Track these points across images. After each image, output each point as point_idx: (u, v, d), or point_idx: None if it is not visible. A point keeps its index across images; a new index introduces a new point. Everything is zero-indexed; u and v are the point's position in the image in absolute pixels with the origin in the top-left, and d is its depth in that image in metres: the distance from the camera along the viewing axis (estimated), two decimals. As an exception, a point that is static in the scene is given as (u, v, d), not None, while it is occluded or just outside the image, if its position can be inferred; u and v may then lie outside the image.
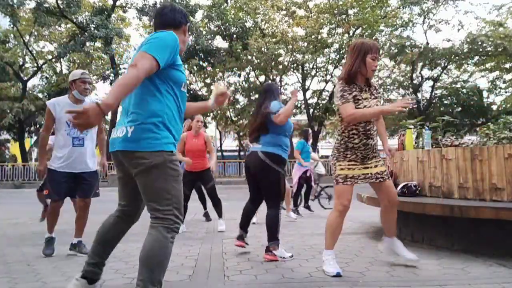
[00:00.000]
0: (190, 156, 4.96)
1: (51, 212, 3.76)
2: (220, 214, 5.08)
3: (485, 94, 26.32)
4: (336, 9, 22.00)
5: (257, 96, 25.82)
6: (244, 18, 22.33)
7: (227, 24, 21.13)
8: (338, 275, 2.79)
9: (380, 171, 2.98)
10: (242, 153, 29.55)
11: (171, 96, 2.10)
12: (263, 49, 21.96)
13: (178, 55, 2.14)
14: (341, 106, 2.87)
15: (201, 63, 22.56)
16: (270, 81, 4.20)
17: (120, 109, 2.28)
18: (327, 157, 25.09)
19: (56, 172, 3.55)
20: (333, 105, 25.56)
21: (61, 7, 19.56)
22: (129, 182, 2.20)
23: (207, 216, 6.01)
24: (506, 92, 25.65)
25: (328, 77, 24.91)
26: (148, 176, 2.00)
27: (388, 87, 26.75)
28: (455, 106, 25.97)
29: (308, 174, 6.86)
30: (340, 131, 3.04)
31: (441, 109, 25.09)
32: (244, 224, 3.69)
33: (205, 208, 6.08)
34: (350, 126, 2.93)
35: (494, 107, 25.82)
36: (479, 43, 21.25)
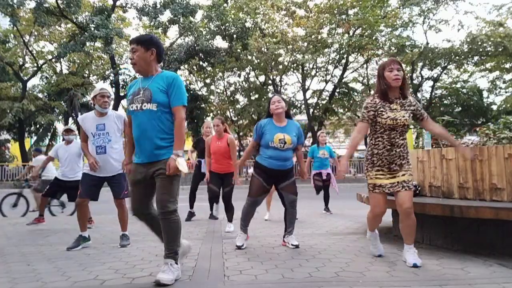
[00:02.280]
0: (215, 158, 5.21)
1: (79, 211, 4.15)
2: (230, 219, 5.12)
3: (485, 94, 26.34)
4: (336, 9, 21.98)
5: (257, 96, 25.87)
6: (244, 18, 22.32)
7: (227, 24, 21.11)
8: (379, 255, 3.37)
9: (406, 180, 3.13)
10: (242, 153, 29.51)
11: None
12: (263, 49, 21.95)
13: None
14: (358, 122, 3.28)
15: (201, 63, 22.55)
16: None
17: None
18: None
19: (85, 175, 4.14)
20: (333, 105, 25.66)
21: (61, 7, 19.55)
22: None
23: (213, 217, 6.06)
24: (506, 92, 25.66)
25: (328, 77, 24.92)
26: None
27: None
28: (455, 106, 25.99)
29: (324, 177, 6.80)
30: (369, 138, 3.31)
31: (441, 109, 25.11)
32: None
33: (210, 209, 6.11)
34: (376, 134, 3.17)
35: (494, 107, 25.84)
36: (479, 43, 21.26)
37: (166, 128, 2.79)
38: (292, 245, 3.87)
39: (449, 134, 3.36)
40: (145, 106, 2.76)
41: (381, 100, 3.16)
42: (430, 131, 3.41)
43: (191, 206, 6.11)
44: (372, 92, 26.91)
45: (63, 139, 5.74)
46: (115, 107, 22.09)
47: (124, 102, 26.83)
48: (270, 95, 26.26)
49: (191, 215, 6.09)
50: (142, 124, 2.78)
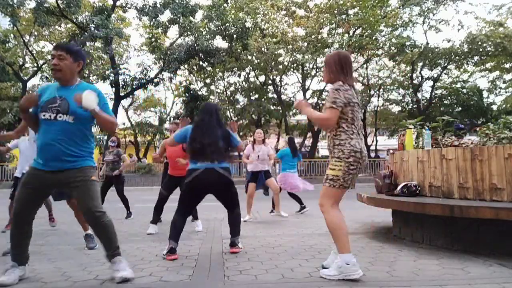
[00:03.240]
0: (171, 162, 5.16)
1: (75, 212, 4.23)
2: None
3: (485, 94, 26.34)
4: (336, 9, 21.98)
5: (257, 96, 25.87)
6: (244, 18, 22.32)
7: (227, 24, 21.10)
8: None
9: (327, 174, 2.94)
10: (242, 153, 29.48)
11: None
12: (263, 49, 21.95)
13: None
14: None
15: (201, 63, 22.55)
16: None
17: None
18: (327, 157, 25.10)
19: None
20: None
21: (61, 7, 19.55)
22: None
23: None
24: (506, 92, 25.67)
25: (328, 77, 24.88)
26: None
27: (388, 87, 26.77)
28: (455, 106, 25.99)
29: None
30: None
31: (441, 109, 25.10)
32: (176, 236, 3.60)
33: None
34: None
35: (494, 107, 25.84)
36: (479, 42, 21.27)
37: (79, 139, 2.84)
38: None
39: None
40: (60, 117, 2.77)
41: None
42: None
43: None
44: (372, 92, 26.90)
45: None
46: (115, 107, 22.10)
47: (124, 102, 26.89)
48: (270, 95, 26.31)
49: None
50: (53, 133, 2.77)
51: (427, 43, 23.49)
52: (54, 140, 2.75)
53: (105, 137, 23.13)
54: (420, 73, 25.49)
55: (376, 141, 28.13)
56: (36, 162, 2.83)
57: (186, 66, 23.21)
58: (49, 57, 24.11)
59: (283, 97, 26.04)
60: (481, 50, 22.12)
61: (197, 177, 3.58)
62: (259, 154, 6.21)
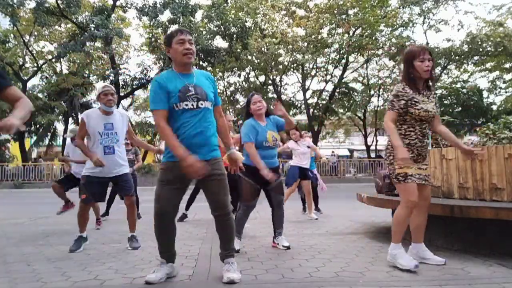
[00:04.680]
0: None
1: (81, 213, 4.02)
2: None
3: (485, 94, 26.35)
4: (336, 9, 22.00)
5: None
6: (244, 18, 22.33)
7: (227, 24, 21.12)
8: (416, 267, 2.87)
9: (428, 174, 3.12)
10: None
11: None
12: (263, 49, 21.96)
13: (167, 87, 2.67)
14: (387, 111, 3.11)
15: (201, 63, 22.57)
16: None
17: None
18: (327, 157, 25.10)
19: (89, 177, 3.91)
20: (333, 105, 25.66)
21: (61, 7, 19.56)
22: None
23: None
24: (506, 92, 25.67)
25: (328, 77, 24.92)
26: None
27: (388, 87, 26.76)
28: (455, 106, 25.98)
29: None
30: (396, 128, 3.10)
31: (441, 109, 25.09)
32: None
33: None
34: (406, 124, 3.06)
35: (494, 107, 25.84)
36: (479, 42, 21.27)
37: (214, 127, 2.81)
38: (283, 246, 3.79)
39: (455, 137, 3.24)
40: (201, 104, 2.67)
41: (411, 90, 3.04)
42: (438, 132, 3.22)
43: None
44: (372, 92, 26.92)
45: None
46: (115, 107, 22.09)
47: (124, 102, 26.86)
48: (270, 95, 26.30)
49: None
50: (200, 121, 2.66)
51: (427, 43, 23.49)
52: (204, 128, 2.68)
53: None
54: (420, 73, 25.43)
55: (376, 141, 28.14)
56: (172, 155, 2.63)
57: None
58: (49, 57, 24.21)
59: (283, 97, 26.05)
60: (481, 50, 22.12)
61: None
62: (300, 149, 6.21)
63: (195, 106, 2.65)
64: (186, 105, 2.64)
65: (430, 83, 3.14)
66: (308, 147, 6.20)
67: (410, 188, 2.98)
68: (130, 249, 3.84)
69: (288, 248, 3.76)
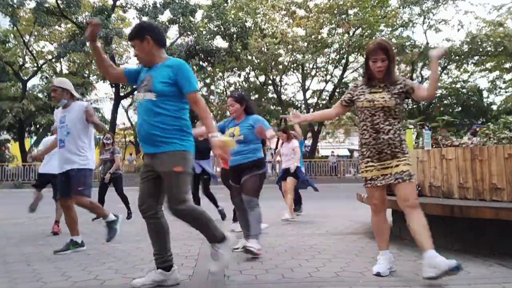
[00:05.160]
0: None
1: (64, 213, 4.06)
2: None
3: (485, 94, 26.35)
4: (336, 9, 21.99)
5: (257, 96, 25.87)
6: (244, 18, 22.33)
7: (227, 24, 21.12)
8: (377, 274, 2.81)
9: (400, 170, 2.79)
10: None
11: None
12: (263, 49, 21.95)
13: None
14: None
15: (201, 63, 22.56)
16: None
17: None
18: (327, 157, 25.11)
19: (55, 174, 3.99)
20: (333, 105, 25.60)
21: (61, 7, 19.56)
22: None
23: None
24: (506, 92, 25.67)
25: (328, 77, 24.91)
26: None
27: (388, 87, 26.73)
28: (455, 106, 25.98)
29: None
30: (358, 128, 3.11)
31: (441, 109, 25.10)
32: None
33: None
34: (361, 122, 2.97)
35: (494, 107, 25.85)
36: (479, 42, 21.28)
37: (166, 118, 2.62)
38: (246, 248, 3.45)
39: (434, 78, 3.05)
40: (145, 96, 2.63)
41: (364, 83, 3.01)
42: (423, 98, 3.09)
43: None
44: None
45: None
46: (115, 107, 22.11)
47: (124, 102, 26.85)
48: (270, 95, 26.30)
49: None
50: (140, 115, 2.66)
51: (427, 43, 23.50)
52: (143, 121, 2.68)
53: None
54: (420, 73, 25.48)
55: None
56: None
57: (186, 66, 23.19)
58: (49, 57, 24.19)
59: (283, 97, 26.04)
60: (481, 50, 22.14)
61: None
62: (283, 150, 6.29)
63: (140, 98, 2.68)
64: (137, 96, 2.72)
65: (391, 79, 2.91)
66: (293, 149, 6.22)
67: (368, 192, 3.00)
68: (79, 255, 3.69)
69: (253, 253, 3.43)
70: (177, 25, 21.21)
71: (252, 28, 22.41)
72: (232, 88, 26.58)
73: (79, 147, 3.83)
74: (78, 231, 3.95)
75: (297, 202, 6.96)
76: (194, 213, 2.63)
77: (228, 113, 23.57)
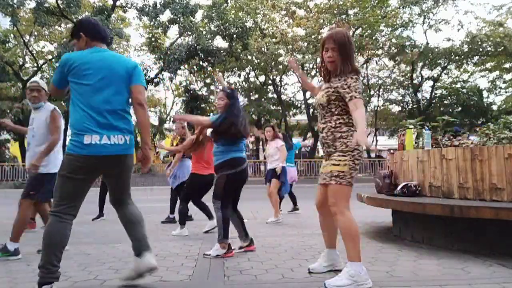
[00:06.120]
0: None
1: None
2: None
3: (485, 94, 26.36)
4: (336, 9, 22.00)
5: (257, 96, 25.88)
6: (244, 18, 22.33)
7: (227, 24, 21.12)
8: (308, 270, 2.90)
9: (326, 171, 2.70)
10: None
11: None
12: (263, 49, 21.96)
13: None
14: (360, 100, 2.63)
15: (201, 63, 22.57)
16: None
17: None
18: (327, 157, 25.03)
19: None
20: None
21: (61, 7, 19.56)
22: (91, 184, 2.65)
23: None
24: (506, 92, 25.68)
25: (328, 77, 24.88)
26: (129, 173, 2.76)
27: (388, 87, 26.77)
28: (455, 106, 26.00)
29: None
30: None
31: (441, 109, 25.12)
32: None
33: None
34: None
35: (494, 107, 25.85)
36: (479, 42, 21.28)
37: None
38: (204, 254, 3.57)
39: (359, 121, 2.53)
40: None
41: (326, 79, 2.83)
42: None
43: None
44: (372, 92, 26.84)
45: None
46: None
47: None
48: (270, 95, 26.30)
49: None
50: None
51: (427, 43, 23.52)
52: None
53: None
54: (420, 73, 25.49)
55: (376, 141, 28.14)
56: None
57: (186, 66, 23.22)
58: (49, 57, 24.18)
59: (283, 97, 26.05)
60: (481, 50, 22.15)
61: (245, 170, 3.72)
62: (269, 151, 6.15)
63: None
64: None
65: (335, 72, 2.70)
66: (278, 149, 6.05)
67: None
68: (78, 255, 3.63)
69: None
70: (177, 25, 21.21)
71: (252, 28, 22.41)
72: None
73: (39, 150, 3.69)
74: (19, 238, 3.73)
75: (294, 203, 6.97)
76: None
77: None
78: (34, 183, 3.67)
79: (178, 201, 5.53)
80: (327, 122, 2.72)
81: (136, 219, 2.73)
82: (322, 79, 2.90)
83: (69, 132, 3.03)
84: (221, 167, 3.64)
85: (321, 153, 32.77)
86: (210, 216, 4.96)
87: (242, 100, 26.48)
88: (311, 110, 25.09)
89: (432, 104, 25.90)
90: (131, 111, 2.74)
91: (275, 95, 25.59)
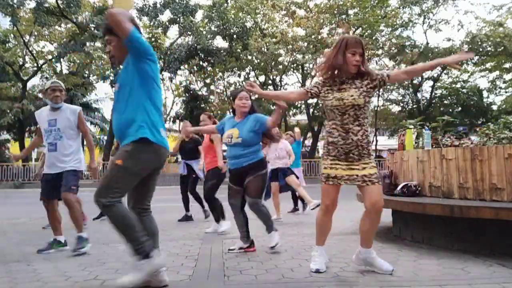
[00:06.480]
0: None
1: (47, 214, 3.99)
2: (216, 218, 5.09)
3: (485, 94, 26.37)
4: (336, 9, 22.00)
5: (256, 96, 25.85)
6: (244, 18, 22.34)
7: (227, 24, 21.14)
8: (317, 271, 2.88)
9: (368, 173, 2.78)
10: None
11: None
12: (263, 49, 21.96)
13: None
14: None
15: (201, 63, 22.57)
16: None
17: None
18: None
19: (44, 175, 3.98)
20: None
21: (61, 7, 19.57)
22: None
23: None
24: (506, 92, 25.68)
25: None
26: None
27: (388, 87, 26.75)
28: (455, 106, 26.00)
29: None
30: (325, 127, 3.08)
31: (441, 109, 25.12)
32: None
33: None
34: (330, 121, 2.89)
35: (494, 107, 25.86)
36: (479, 42, 21.28)
37: None
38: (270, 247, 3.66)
39: (421, 65, 2.99)
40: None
41: (329, 80, 2.89)
42: (399, 80, 3.07)
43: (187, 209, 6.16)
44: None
45: None
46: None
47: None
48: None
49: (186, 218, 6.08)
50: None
51: (427, 43, 23.51)
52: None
53: (105, 137, 23.13)
54: (420, 73, 25.44)
55: (376, 141, 28.14)
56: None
57: (186, 66, 23.22)
58: (49, 57, 24.19)
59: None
60: (481, 50, 22.13)
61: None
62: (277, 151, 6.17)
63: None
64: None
65: (364, 70, 2.82)
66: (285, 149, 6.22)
67: (326, 190, 2.88)
68: (73, 253, 3.64)
69: (273, 248, 3.66)
70: (177, 25, 21.23)
71: (252, 28, 22.42)
72: (232, 88, 26.59)
73: (70, 150, 3.89)
74: (62, 230, 3.96)
75: (295, 203, 6.99)
76: (116, 212, 2.66)
77: (228, 113, 23.61)
78: (75, 178, 3.87)
79: (191, 199, 6.03)
80: (362, 125, 2.82)
81: (153, 231, 2.74)
82: (324, 77, 2.94)
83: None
84: (256, 167, 3.62)
85: (321, 153, 32.80)
86: (218, 219, 4.94)
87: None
88: (311, 110, 25.10)
89: (432, 104, 25.90)
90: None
91: (275, 95, 25.55)
